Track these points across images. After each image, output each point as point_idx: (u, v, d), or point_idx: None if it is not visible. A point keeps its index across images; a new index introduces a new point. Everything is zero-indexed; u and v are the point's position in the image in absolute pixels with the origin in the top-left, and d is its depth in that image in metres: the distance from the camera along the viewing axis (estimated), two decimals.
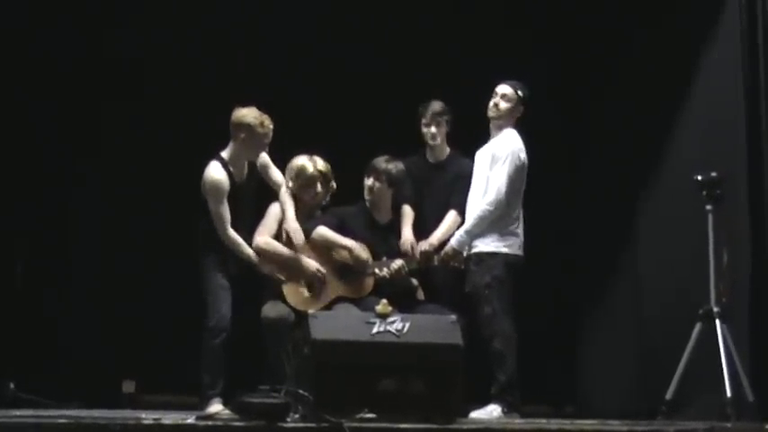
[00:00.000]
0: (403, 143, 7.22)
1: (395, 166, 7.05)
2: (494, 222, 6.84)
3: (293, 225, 6.85)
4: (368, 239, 6.99)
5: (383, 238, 7.08)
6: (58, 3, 7.89)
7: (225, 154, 6.82)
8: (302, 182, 6.94)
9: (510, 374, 6.68)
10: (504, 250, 6.84)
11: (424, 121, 7.22)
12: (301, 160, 6.99)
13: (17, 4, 7.66)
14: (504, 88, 7.03)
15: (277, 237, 6.89)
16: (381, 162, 7.06)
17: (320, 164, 6.97)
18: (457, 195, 7.10)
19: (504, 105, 7.00)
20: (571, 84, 8.36)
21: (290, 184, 6.96)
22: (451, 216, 7.09)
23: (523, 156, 6.91)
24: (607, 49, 8.14)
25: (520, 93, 7.01)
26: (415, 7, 8.24)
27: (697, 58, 7.43)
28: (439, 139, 7.23)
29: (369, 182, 7.06)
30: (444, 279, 7.07)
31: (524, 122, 7.06)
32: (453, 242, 6.88)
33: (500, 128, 7.01)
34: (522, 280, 6.87)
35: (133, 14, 8.08)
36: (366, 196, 7.09)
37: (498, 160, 6.90)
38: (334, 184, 7.03)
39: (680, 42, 7.50)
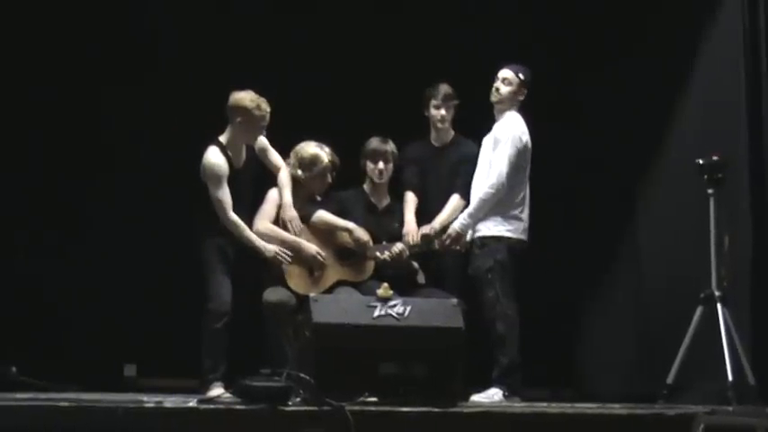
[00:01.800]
0: (396, 127, 7.22)
1: (393, 145, 7.07)
2: (497, 206, 6.84)
3: (290, 213, 6.85)
4: (367, 223, 6.99)
5: (382, 222, 7.09)
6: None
7: (223, 138, 6.80)
8: (316, 172, 6.94)
9: (511, 358, 6.69)
10: (508, 234, 6.84)
11: (434, 102, 7.20)
12: (313, 149, 6.96)
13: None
14: (504, 72, 7.03)
15: (276, 222, 6.89)
16: (383, 144, 7.07)
17: (330, 153, 6.98)
18: (460, 179, 7.11)
19: (504, 89, 7.00)
20: (571, 68, 8.34)
21: (300, 172, 6.95)
22: (454, 200, 7.10)
23: (525, 138, 6.90)
24: (607, 34, 8.12)
25: (521, 75, 7.00)
26: None
27: (698, 41, 7.42)
28: (447, 123, 7.24)
29: (380, 166, 7.04)
30: (446, 263, 7.07)
31: (525, 107, 7.06)
32: (456, 225, 6.88)
33: (502, 112, 7.00)
34: (523, 263, 6.88)
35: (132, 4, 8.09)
36: (377, 180, 7.08)
37: (499, 143, 6.90)
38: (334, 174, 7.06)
39: (681, 26, 7.48)
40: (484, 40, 8.13)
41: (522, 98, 7.00)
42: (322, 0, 8.19)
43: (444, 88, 7.18)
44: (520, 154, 6.88)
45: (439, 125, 7.22)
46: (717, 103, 7.26)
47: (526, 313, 6.87)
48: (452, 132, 7.28)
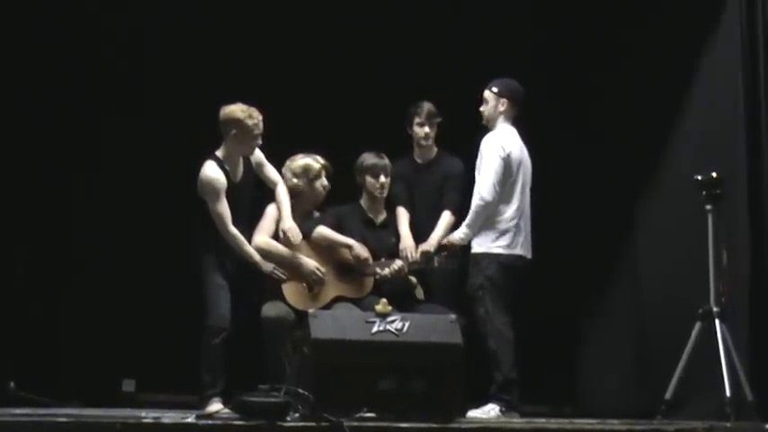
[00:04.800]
0: (374, 144, 7.25)
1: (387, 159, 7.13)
2: (488, 221, 6.86)
3: (289, 223, 6.86)
4: (365, 238, 7.02)
5: (380, 237, 7.11)
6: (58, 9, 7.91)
7: (219, 153, 6.84)
8: (311, 176, 7.01)
9: (505, 374, 6.67)
10: (497, 250, 6.84)
11: (418, 120, 7.25)
12: (303, 159, 7.06)
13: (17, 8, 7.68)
14: (485, 94, 7.06)
15: (275, 237, 6.91)
16: (381, 158, 7.10)
17: (321, 159, 7.06)
18: (448, 195, 7.14)
19: (486, 110, 7.04)
20: (570, 83, 8.36)
21: (295, 181, 7.01)
22: (446, 216, 7.13)
23: (508, 149, 6.90)
24: (606, 50, 8.14)
25: (494, 89, 7.02)
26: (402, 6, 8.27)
27: (697, 57, 7.43)
28: (431, 140, 7.26)
29: (381, 180, 7.07)
30: (443, 279, 7.07)
31: (524, 123, 7.08)
32: (457, 236, 6.88)
33: (493, 128, 7.04)
34: (522, 279, 6.89)
35: (129, 16, 8.10)
36: (380, 194, 7.11)
37: (483, 157, 6.92)
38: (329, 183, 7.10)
39: (680, 42, 7.50)
40: (478, 55, 8.15)
41: (504, 108, 7.00)
42: (306, 20, 8.21)
43: (427, 106, 7.23)
44: (502, 166, 6.87)
45: (423, 143, 7.27)
46: (715, 119, 7.27)
47: (526, 330, 6.88)
48: (436, 149, 7.32)
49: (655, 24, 7.73)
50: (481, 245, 6.89)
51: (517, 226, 6.89)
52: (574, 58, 8.36)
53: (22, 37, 7.74)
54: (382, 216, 7.20)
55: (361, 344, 5.70)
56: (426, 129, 7.24)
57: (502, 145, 6.90)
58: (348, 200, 7.19)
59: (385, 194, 7.15)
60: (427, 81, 7.89)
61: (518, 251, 6.89)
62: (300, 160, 7.06)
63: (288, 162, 7.09)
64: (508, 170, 6.89)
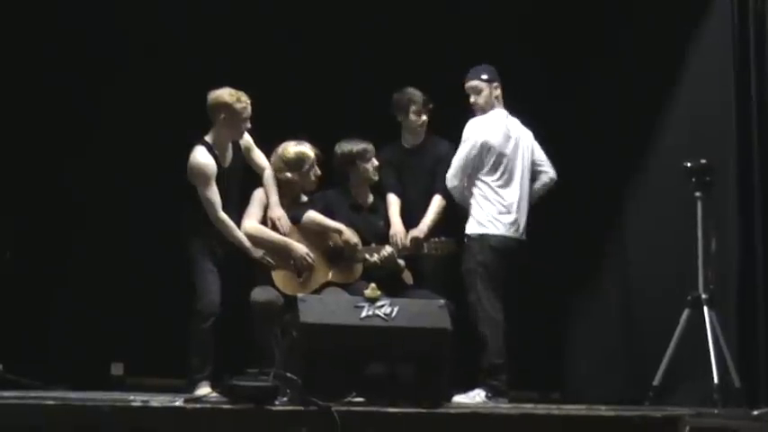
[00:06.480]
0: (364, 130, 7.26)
1: None
2: (477, 204, 6.86)
3: (278, 212, 6.86)
4: (353, 222, 7.02)
5: (368, 221, 7.12)
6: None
7: (209, 138, 6.81)
8: (306, 168, 6.95)
9: (494, 360, 6.68)
10: (487, 232, 6.85)
11: (414, 108, 7.23)
12: (296, 147, 6.97)
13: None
14: (470, 84, 7.10)
15: (263, 222, 6.90)
16: (367, 143, 7.09)
17: (311, 147, 7.01)
18: (439, 179, 7.13)
19: (480, 99, 7.08)
20: (559, 69, 8.35)
21: (289, 174, 6.95)
22: (437, 201, 7.13)
23: (485, 136, 6.94)
24: (596, 35, 8.13)
25: (484, 77, 7.07)
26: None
27: (687, 43, 7.43)
28: (424, 126, 7.27)
29: (375, 162, 7.08)
30: (434, 264, 7.08)
31: (513, 110, 7.09)
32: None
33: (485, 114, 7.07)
34: (514, 261, 6.91)
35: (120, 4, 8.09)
36: (375, 178, 7.11)
37: (462, 141, 6.98)
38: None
39: (670, 28, 7.49)
40: (468, 41, 8.14)
41: (498, 92, 7.06)
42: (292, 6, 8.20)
43: (420, 94, 7.23)
44: (475, 151, 6.92)
45: (418, 130, 7.26)
46: (706, 105, 7.27)
47: (515, 315, 6.89)
48: (424, 133, 7.31)
49: (645, 11, 7.72)
50: (470, 228, 6.91)
51: (510, 208, 6.90)
52: (562, 48, 8.34)
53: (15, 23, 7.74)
54: (370, 200, 7.20)
55: (349, 328, 5.70)
56: (423, 117, 7.25)
57: (479, 131, 6.95)
58: (326, 187, 7.18)
59: (378, 177, 7.14)
60: (404, 65, 7.89)
61: (510, 233, 6.89)
62: (294, 148, 6.98)
63: (279, 151, 6.99)
64: (478, 156, 6.93)
